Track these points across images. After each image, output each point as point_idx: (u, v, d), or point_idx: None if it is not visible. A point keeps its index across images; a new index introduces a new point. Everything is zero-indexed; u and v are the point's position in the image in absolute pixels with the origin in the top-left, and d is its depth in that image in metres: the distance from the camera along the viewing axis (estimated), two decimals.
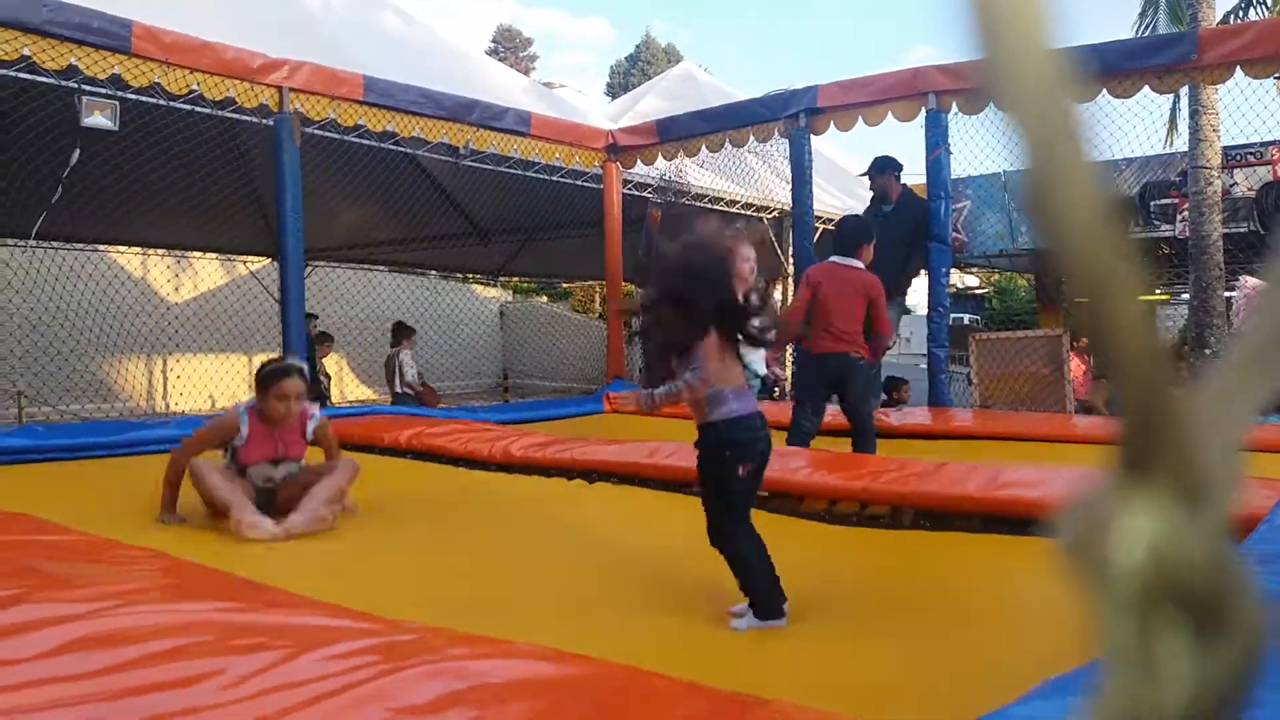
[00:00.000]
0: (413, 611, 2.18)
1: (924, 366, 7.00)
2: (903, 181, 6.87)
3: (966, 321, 20.09)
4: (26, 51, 5.15)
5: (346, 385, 13.12)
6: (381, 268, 12.50)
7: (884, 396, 7.37)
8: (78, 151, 6.29)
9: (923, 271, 6.91)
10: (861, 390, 4.72)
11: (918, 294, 8.30)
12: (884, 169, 6.75)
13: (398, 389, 9.40)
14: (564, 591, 2.49)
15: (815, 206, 7.88)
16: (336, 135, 6.81)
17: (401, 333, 9.77)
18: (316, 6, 8.04)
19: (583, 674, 1.52)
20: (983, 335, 7.95)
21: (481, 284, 15.39)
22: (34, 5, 5.13)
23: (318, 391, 9.07)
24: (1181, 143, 11.31)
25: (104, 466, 4.58)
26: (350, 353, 12.79)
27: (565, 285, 18.04)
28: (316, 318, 10.03)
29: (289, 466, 3.52)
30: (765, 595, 2.20)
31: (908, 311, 7.99)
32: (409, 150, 7.56)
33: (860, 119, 7.24)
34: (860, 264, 4.60)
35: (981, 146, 7.05)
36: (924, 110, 6.85)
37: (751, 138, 8.00)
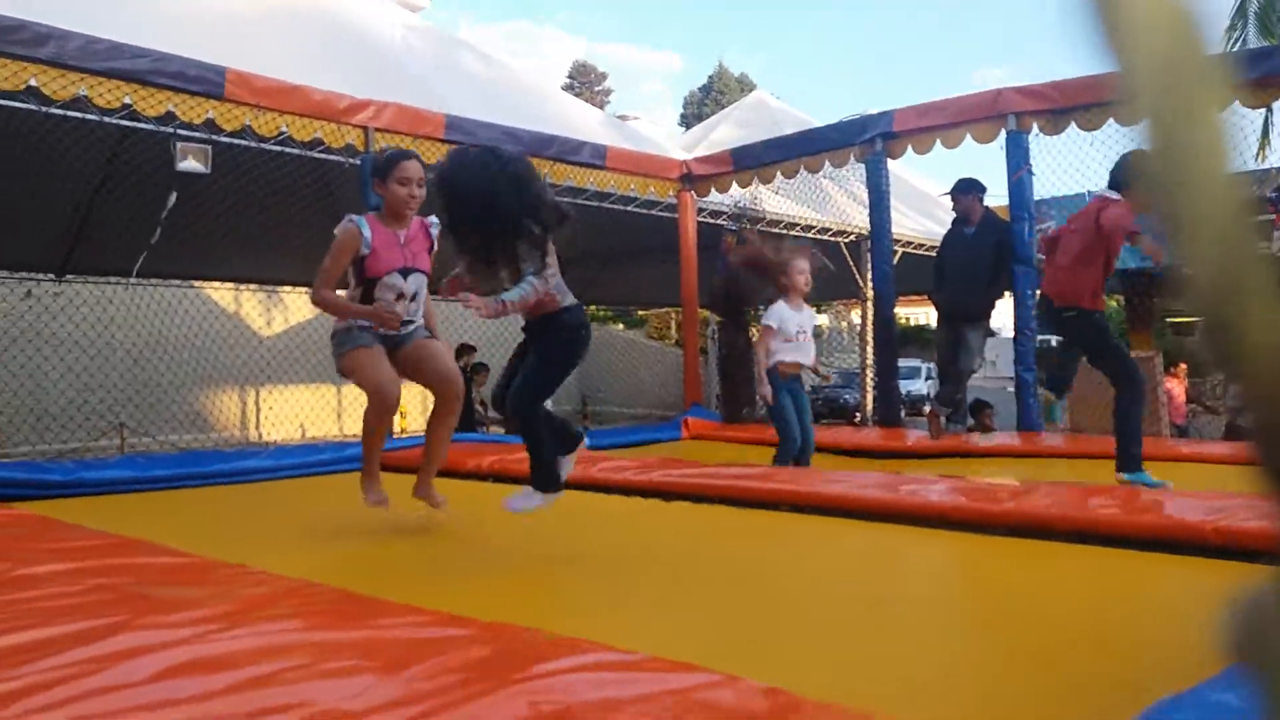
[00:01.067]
0: (510, 613, 2.21)
1: (1012, 390, 6.83)
2: (985, 203, 6.75)
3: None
4: (128, 100, 5.41)
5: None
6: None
7: (969, 421, 7.21)
8: (174, 194, 6.59)
9: (1007, 294, 6.77)
10: (1089, 346, 4.44)
11: (1004, 316, 8.12)
12: (967, 190, 6.64)
13: None
14: (654, 597, 2.49)
15: (894, 230, 7.79)
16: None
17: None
18: (401, 49, 8.28)
19: (684, 685, 1.51)
20: None
21: None
22: (138, 55, 5.40)
23: (471, 420, 9.37)
24: (1276, 158, 10.91)
25: (202, 495, 4.74)
26: None
27: (641, 313, 18.13)
28: (475, 349, 10.28)
29: (417, 280, 3.36)
30: (549, 468, 2.51)
31: (993, 334, 7.80)
32: None
33: (938, 142, 7.14)
34: (1118, 196, 4.18)
35: (1065, 167, 6.88)
36: (1004, 132, 6.73)
37: (827, 163, 7.97)
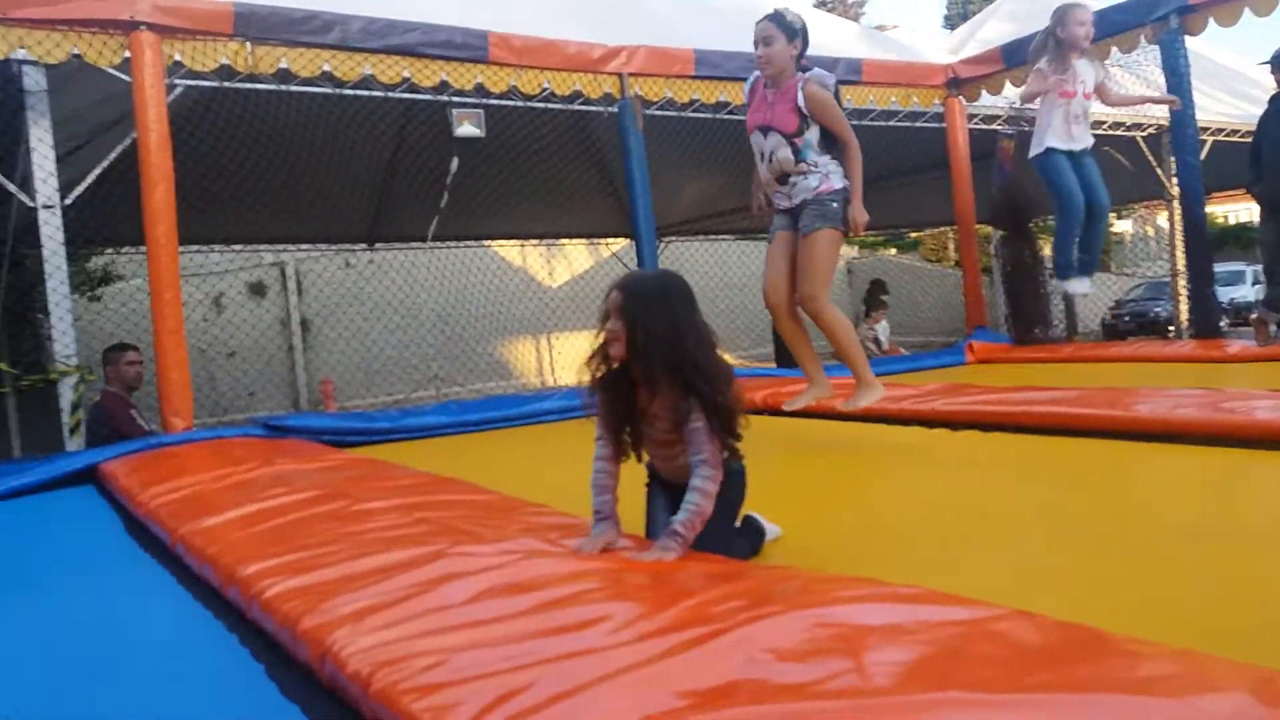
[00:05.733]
0: (784, 555, 2.24)
1: None
2: None
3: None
4: (406, 74, 5.85)
5: None
6: (728, 236, 12.79)
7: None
8: (456, 160, 7.09)
9: None
10: None
11: None
12: None
13: None
14: (940, 535, 2.41)
15: (1199, 117, 6.90)
16: (674, 113, 7.06)
17: (874, 304, 9.64)
18: None
19: (972, 618, 1.46)
20: None
21: None
22: (409, 30, 5.81)
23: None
24: None
25: (507, 435, 5.18)
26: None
27: (914, 235, 17.38)
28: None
29: (775, 140, 3.57)
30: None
31: None
32: (742, 117, 7.64)
33: (1246, 10, 6.21)
34: None
35: None
36: None
37: (1115, 50, 7.17)
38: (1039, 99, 5.64)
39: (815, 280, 3.66)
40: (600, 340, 2.10)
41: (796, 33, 3.55)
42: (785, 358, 9.88)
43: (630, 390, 2.12)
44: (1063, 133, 5.53)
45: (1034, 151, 5.75)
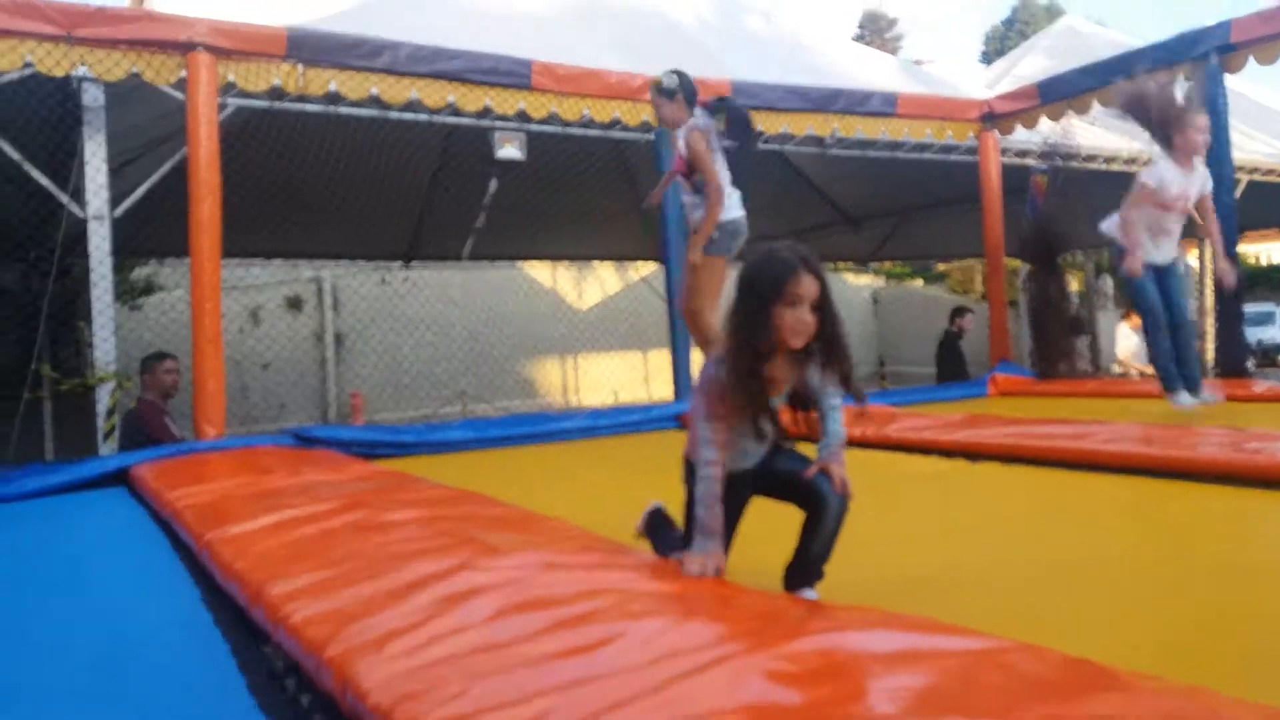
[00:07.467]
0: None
1: None
2: None
3: None
4: (451, 98, 5.98)
5: None
6: None
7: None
8: (495, 181, 7.21)
9: None
10: None
11: None
12: None
13: None
14: (952, 568, 2.43)
15: (1235, 155, 6.88)
16: None
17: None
18: (687, 18, 8.45)
19: (980, 648, 1.49)
20: None
21: (853, 271, 15.27)
22: (455, 56, 5.95)
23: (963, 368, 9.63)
24: None
25: (529, 452, 5.24)
26: None
27: (941, 266, 17.33)
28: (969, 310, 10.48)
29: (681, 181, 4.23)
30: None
31: None
32: (776, 146, 7.72)
33: None
34: None
35: None
36: None
37: None
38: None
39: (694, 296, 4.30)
40: (782, 330, 1.98)
41: (674, 91, 4.06)
42: (945, 374, 9.87)
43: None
44: (1148, 244, 5.01)
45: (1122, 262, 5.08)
